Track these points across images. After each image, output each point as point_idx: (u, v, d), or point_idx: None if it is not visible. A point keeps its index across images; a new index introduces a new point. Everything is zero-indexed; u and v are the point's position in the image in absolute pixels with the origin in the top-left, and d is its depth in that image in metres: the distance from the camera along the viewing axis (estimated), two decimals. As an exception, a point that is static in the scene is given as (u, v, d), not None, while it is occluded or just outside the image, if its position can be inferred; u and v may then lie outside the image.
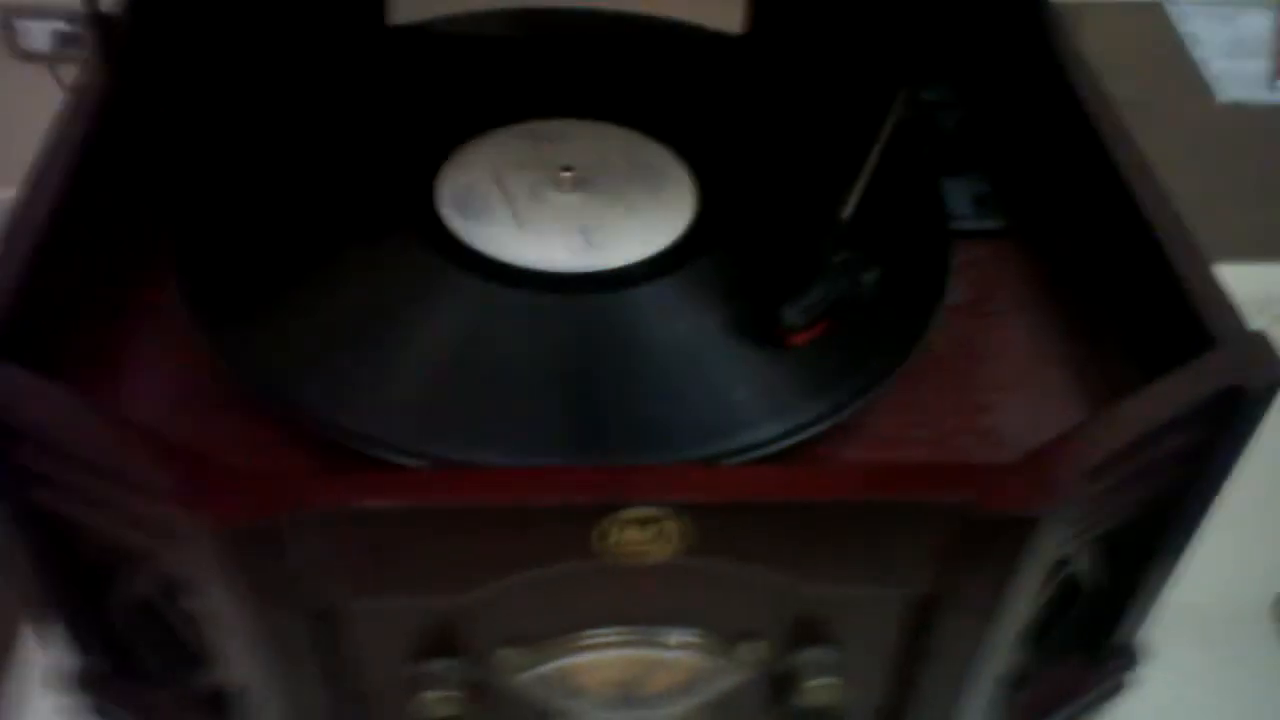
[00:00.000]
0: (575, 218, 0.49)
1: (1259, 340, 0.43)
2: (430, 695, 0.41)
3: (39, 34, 1.59)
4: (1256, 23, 1.08)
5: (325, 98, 0.56)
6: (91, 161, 0.46)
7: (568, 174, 0.50)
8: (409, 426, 0.42)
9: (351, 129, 0.54)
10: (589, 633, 0.41)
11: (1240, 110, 0.99)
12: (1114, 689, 0.55)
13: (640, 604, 0.41)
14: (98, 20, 0.49)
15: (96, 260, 0.48)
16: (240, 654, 0.40)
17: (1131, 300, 0.50)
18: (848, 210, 0.50)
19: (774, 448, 0.43)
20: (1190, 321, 0.45)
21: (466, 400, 0.43)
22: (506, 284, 0.46)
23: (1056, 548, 0.42)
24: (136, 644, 0.46)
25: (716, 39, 0.61)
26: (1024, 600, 0.42)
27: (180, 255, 0.47)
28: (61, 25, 1.59)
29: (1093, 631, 0.52)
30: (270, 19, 0.58)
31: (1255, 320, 0.79)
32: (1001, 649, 0.44)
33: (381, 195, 0.50)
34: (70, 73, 1.69)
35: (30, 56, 1.61)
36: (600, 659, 0.42)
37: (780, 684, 0.45)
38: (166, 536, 0.37)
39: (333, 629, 0.40)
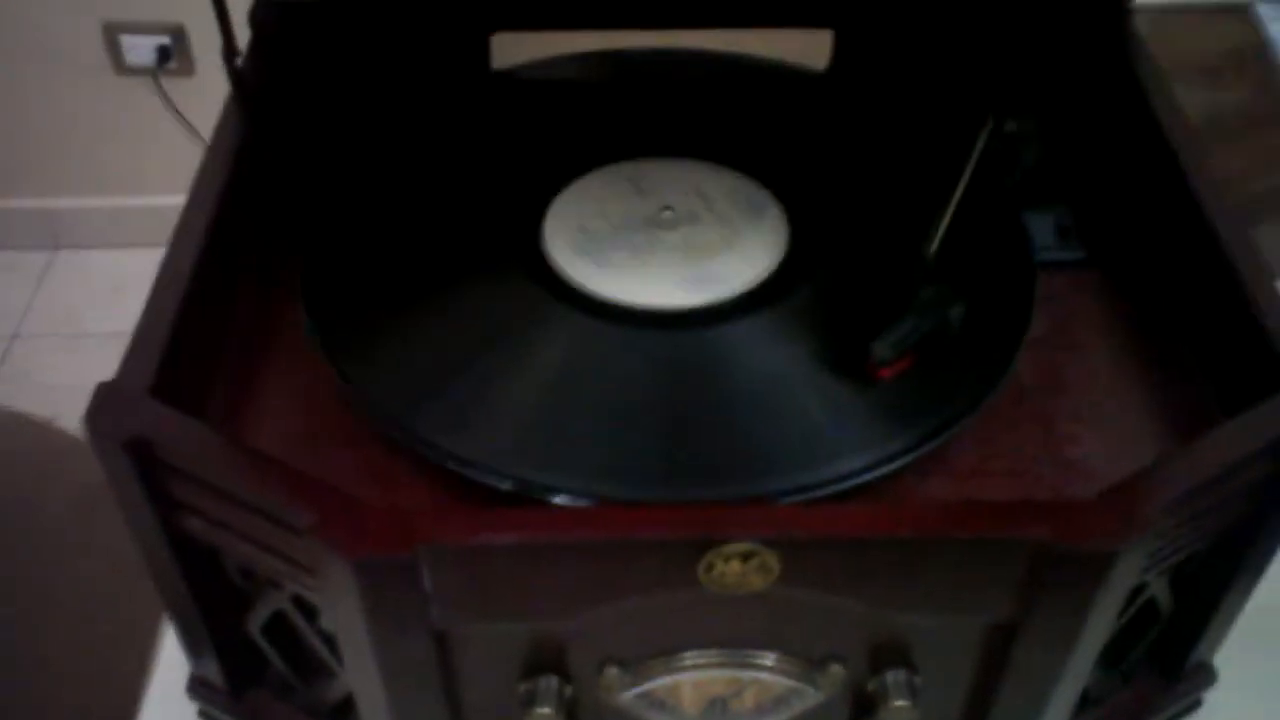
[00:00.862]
0: (673, 255, 0.52)
1: (1337, 378, 0.44)
2: (535, 711, 0.44)
3: (142, 49, 1.67)
4: (1347, 28, 1.06)
5: (437, 141, 0.59)
6: (228, 209, 0.50)
7: (667, 213, 0.53)
8: (519, 457, 0.45)
9: (463, 171, 0.57)
10: (687, 654, 0.44)
11: (1329, 116, 0.99)
12: (1190, 706, 0.57)
13: (735, 628, 0.43)
14: (234, 74, 0.53)
15: (233, 303, 0.52)
16: (364, 669, 0.44)
17: (1210, 332, 0.51)
18: (934, 246, 0.52)
19: (862, 479, 0.45)
20: (1267, 355, 0.46)
21: (570, 432, 0.46)
22: (608, 320, 0.49)
23: (1134, 577, 0.44)
24: (268, 657, 0.50)
25: (802, 76, 0.64)
26: (1101, 628, 0.44)
27: (307, 295, 0.51)
28: (164, 40, 1.66)
29: (1169, 652, 0.54)
30: (385, 66, 0.61)
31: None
32: (1079, 673, 0.46)
33: (492, 235, 0.53)
34: (172, 85, 1.76)
35: (133, 70, 1.69)
36: (696, 678, 0.45)
37: (861, 704, 0.47)
38: (305, 565, 0.41)
39: (449, 648, 0.43)
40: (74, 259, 1.82)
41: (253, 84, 0.55)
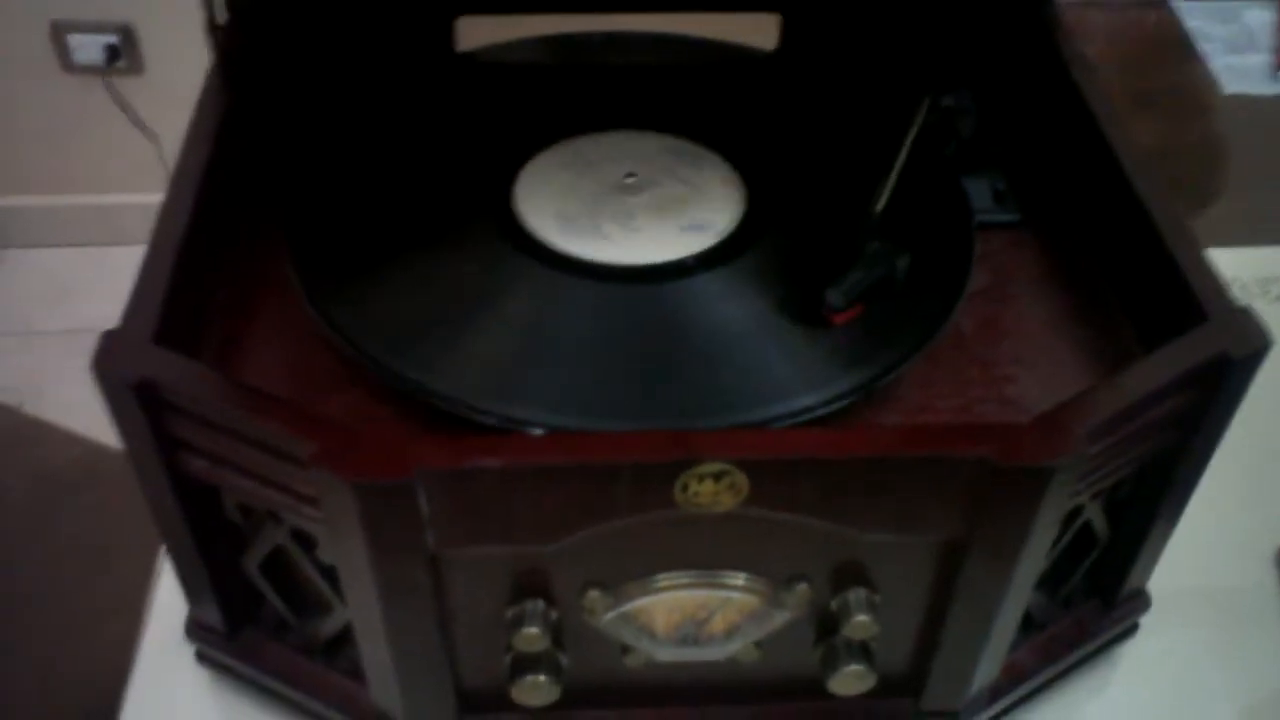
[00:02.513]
0: (638, 216, 0.56)
1: (1245, 314, 0.49)
2: (522, 632, 0.48)
3: (90, 48, 1.67)
4: (1258, 18, 1.13)
5: (411, 112, 0.62)
6: (217, 170, 0.53)
7: (630, 179, 0.56)
8: (501, 396, 0.48)
9: (436, 141, 0.60)
10: (663, 576, 0.47)
11: (1244, 102, 1.05)
12: (1127, 631, 0.61)
13: (707, 550, 0.47)
14: (217, 43, 0.56)
15: (225, 258, 0.55)
16: (363, 596, 0.47)
17: (1134, 281, 0.56)
18: (880, 205, 0.56)
19: (816, 414, 0.49)
20: (1185, 299, 0.51)
21: (548, 375, 0.50)
22: (582, 276, 0.53)
23: (1069, 498, 0.48)
24: (265, 596, 0.53)
25: (753, 56, 0.68)
26: (1041, 544, 0.48)
27: (294, 250, 0.53)
28: (112, 39, 1.66)
29: (1105, 578, 0.58)
30: (356, 46, 0.64)
31: (1258, 299, 0.85)
32: (1022, 589, 0.50)
33: (468, 199, 0.56)
34: (121, 84, 1.76)
35: (81, 69, 1.69)
36: (672, 599, 0.48)
37: (824, 623, 0.51)
38: (306, 495, 0.44)
39: (442, 573, 0.46)
40: (22, 258, 1.81)
41: (233, 55, 0.58)
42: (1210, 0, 1.16)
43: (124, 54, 1.68)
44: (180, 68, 0.55)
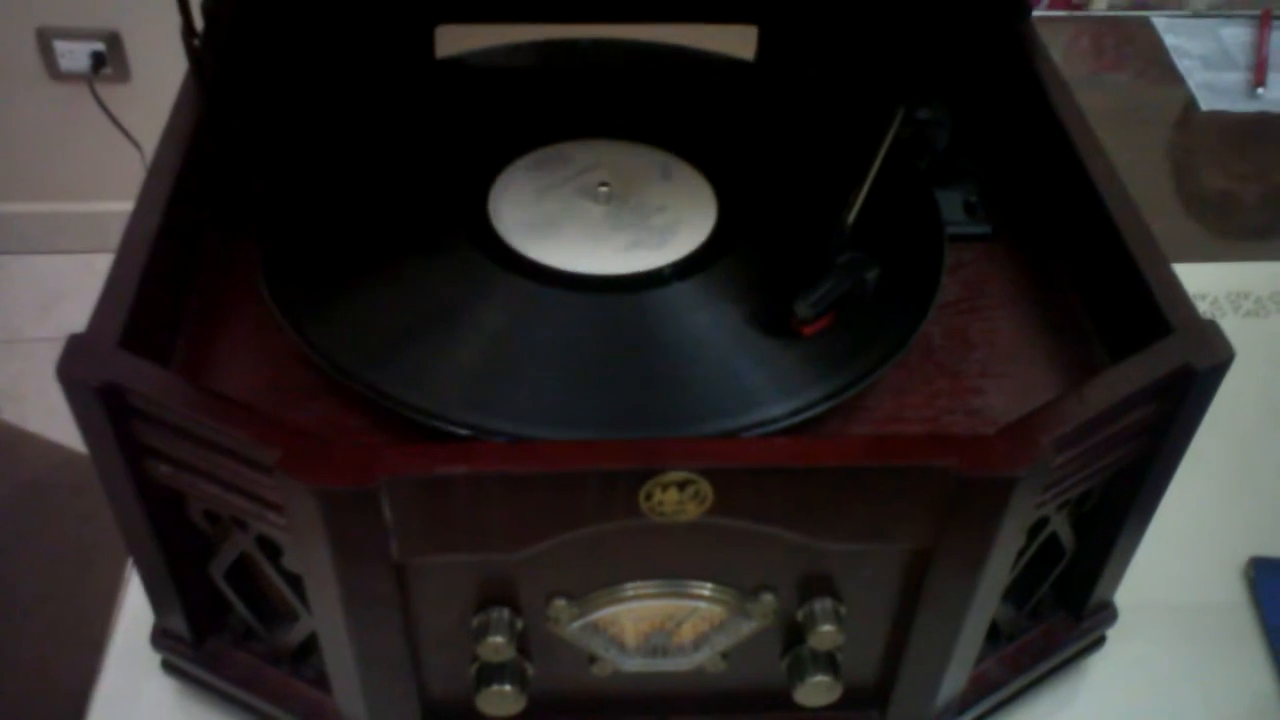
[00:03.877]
0: (610, 226, 0.56)
1: (1210, 327, 0.49)
2: (487, 641, 0.47)
3: (76, 55, 1.67)
4: (1235, 35, 1.14)
5: (387, 121, 0.62)
6: (191, 175, 0.53)
7: (604, 188, 0.57)
8: (469, 406, 0.48)
9: (411, 148, 0.60)
10: (629, 585, 0.47)
11: (1222, 118, 1.06)
12: (1095, 643, 0.61)
13: (673, 560, 0.47)
14: (191, 52, 0.56)
15: (198, 264, 0.55)
16: (327, 605, 0.47)
17: (1102, 295, 0.56)
18: (851, 216, 0.56)
19: (785, 424, 0.49)
20: (1151, 312, 0.51)
21: (517, 385, 0.50)
22: (554, 285, 0.53)
23: (1034, 508, 0.48)
24: (231, 604, 0.52)
25: (730, 65, 0.68)
26: (1007, 554, 0.48)
27: (266, 259, 0.53)
28: (99, 46, 1.66)
29: (1073, 590, 0.58)
30: (334, 54, 0.64)
31: (1229, 315, 0.86)
32: (988, 600, 0.50)
33: (441, 207, 0.56)
34: (107, 91, 1.76)
35: (67, 76, 1.69)
36: (638, 609, 0.48)
37: (791, 633, 0.51)
38: (272, 502, 0.44)
39: (407, 582, 0.46)
40: (8, 265, 1.81)
41: (208, 65, 0.58)
42: (1188, 17, 1.16)
43: (110, 61, 1.68)
44: (166, 75, 0.55)
